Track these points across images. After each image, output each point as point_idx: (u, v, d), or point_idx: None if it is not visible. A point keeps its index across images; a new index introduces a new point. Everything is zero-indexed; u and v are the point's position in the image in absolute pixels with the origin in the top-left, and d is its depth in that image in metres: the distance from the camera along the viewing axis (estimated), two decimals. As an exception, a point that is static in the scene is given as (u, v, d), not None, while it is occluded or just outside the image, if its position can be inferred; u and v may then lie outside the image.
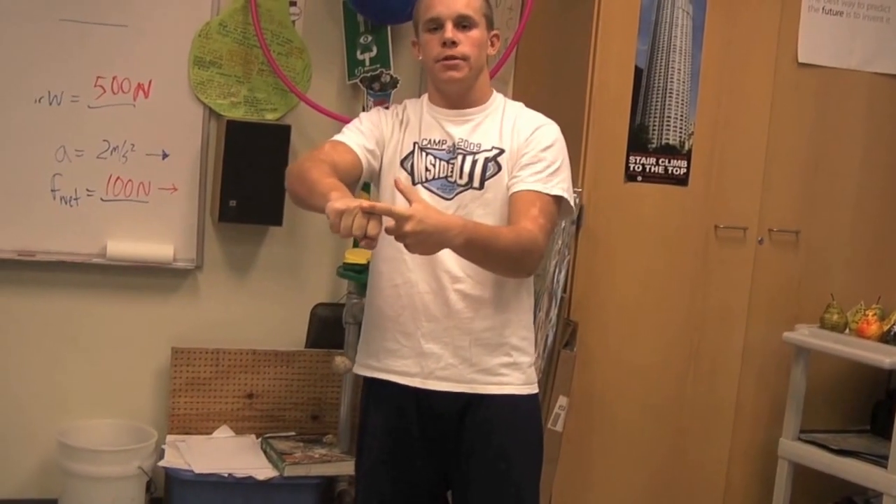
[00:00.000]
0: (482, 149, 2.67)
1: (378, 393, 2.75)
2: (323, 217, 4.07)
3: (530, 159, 2.64)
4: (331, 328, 3.97)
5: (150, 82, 3.88)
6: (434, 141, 2.68)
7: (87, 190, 3.87)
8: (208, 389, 3.94)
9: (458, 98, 2.71)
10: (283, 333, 4.09)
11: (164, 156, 3.92)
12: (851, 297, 4.03)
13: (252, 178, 3.87)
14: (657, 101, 3.81)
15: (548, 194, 2.62)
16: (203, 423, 3.94)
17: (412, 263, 2.64)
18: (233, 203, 3.88)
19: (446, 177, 2.65)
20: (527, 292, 2.75)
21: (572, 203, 2.71)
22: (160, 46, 3.88)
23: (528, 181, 2.62)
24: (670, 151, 3.84)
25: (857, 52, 4.11)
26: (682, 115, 3.84)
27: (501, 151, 2.66)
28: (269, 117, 4.00)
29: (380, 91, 3.99)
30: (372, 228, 2.26)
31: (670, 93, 3.82)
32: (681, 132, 3.85)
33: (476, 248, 2.45)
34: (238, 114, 3.95)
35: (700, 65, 3.85)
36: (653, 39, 3.79)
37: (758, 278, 4.02)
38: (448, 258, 2.60)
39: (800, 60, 4.02)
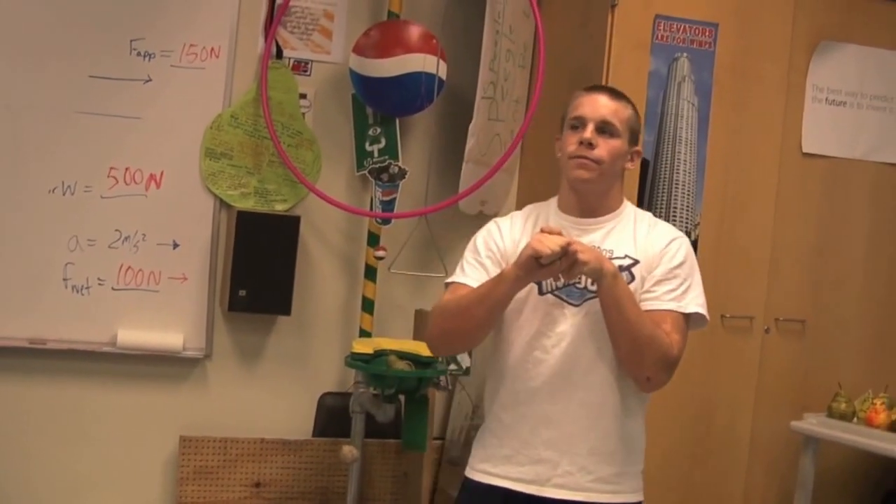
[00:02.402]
0: (614, 255, 2.66)
1: (484, 495, 2.72)
2: (331, 308, 4.16)
3: (664, 275, 2.64)
4: (338, 417, 3.97)
5: (161, 173, 3.93)
6: None
7: (99, 279, 3.90)
8: (216, 478, 3.94)
9: (590, 205, 2.71)
10: (291, 422, 4.10)
11: (175, 246, 3.96)
12: (859, 385, 4.02)
13: (261, 268, 3.91)
14: (663, 193, 3.85)
15: (682, 312, 2.64)
16: (211, 512, 3.95)
17: (534, 372, 2.65)
18: (242, 293, 3.91)
19: (574, 283, 2.62)
20: (643, 399, 2.74)
21: (706, 315, 2.71)
22: (172, 138, 3.94)
23: (664, 300, 2.63)
24: (676, 242, 3.86)
25: (862, 142, 4.16)
26: (688, 206, 3.87)
27: (636, 262, 2.66)
28: (279, 208, 4.04)
29: (388, 182, 4.03)
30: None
31: (676, 184, 3.86)
32: (687, 223, 3.88)
33: (618, 292, 2.51)
34: (248, 204, 3.99)
35: (706, 156, 3.89)
36: (659, 131, 3.84)
37: (765, 367, 4.02)
38: (572, 369, 2.62)
39: (804, 151, 4.07)
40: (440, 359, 3.74)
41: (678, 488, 3.94)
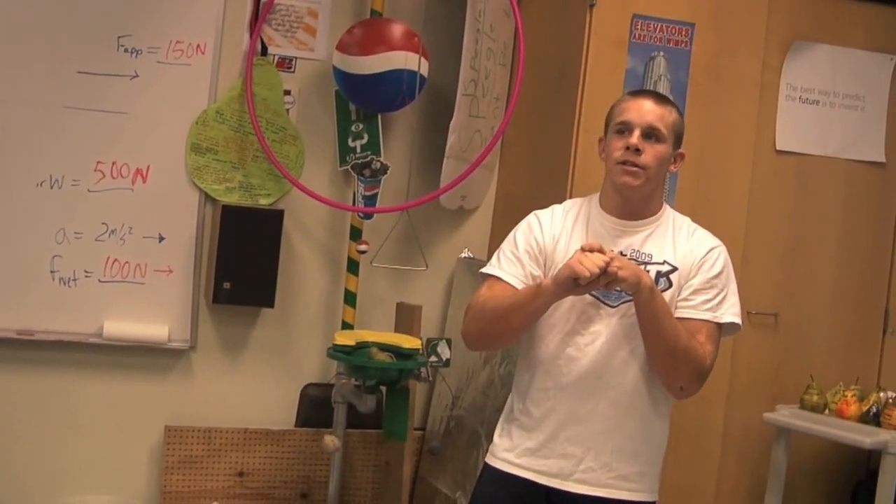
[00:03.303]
0: (653, 260, 2.70)
1: (504, 483, 2.77)
2: (313, 301, 4.20)
3: (701, 285, 2.69)
4: (320, 408, 4.04)
5: (148, 167, 3.97)
6: None
7: (86, 271, 3.94)
8: (200, 467, 4.00)
9: (633, 208, 2.74)
10: (274, 412, 4.15)
11: (161, 239, 4.01)
12: (830, 378, 4.09)
13: (246, 261, 3.96)
14: (639, 188, 3.89)
15: (716, 322, 2.68)
16: (195, 501, 3.99)
17: (566, 369, 2.69)
18: (227, 285, 3.96)
19: None
20: (670, 401, 2.79)
21: (740, 323, 2.76)
22: (159, 133, 3.98)
23: (700, 309, 2.67)
24: (652, 237, 3.92)
25: (834, 139, 4.22)
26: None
27: (674, 269, 2.70)
28: (263, 202, 4.09)
29: (370, 177, 4.08)
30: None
31: (651, 180, 3.91)
32: (662, 218, 3.92)
33: (655, 306, 2.54)
34: (233, 199, 4.04)
35: (681, 153, 3.95)
36: (635, 128, 3.88)
37: (738, 360, 4.06)
38: (605, 368, 2.66)
39: (778, 148, 4.12)
40: (421, 351, 3.80)
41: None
